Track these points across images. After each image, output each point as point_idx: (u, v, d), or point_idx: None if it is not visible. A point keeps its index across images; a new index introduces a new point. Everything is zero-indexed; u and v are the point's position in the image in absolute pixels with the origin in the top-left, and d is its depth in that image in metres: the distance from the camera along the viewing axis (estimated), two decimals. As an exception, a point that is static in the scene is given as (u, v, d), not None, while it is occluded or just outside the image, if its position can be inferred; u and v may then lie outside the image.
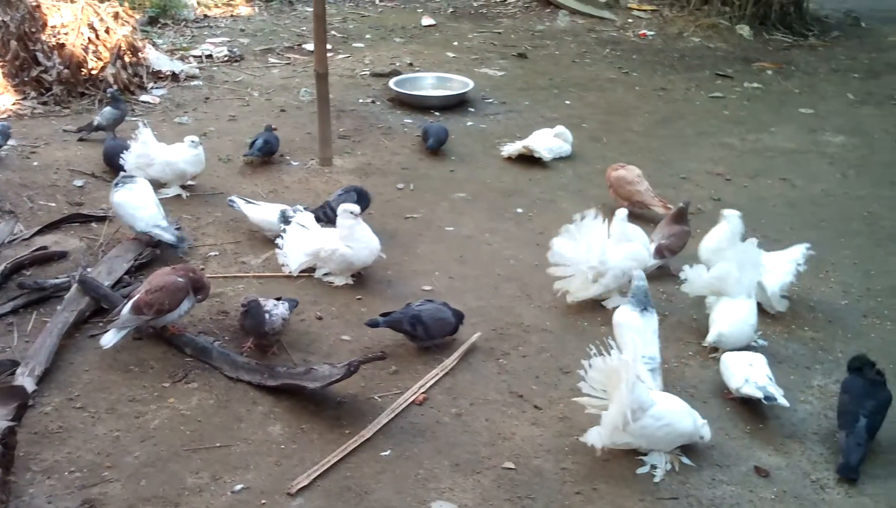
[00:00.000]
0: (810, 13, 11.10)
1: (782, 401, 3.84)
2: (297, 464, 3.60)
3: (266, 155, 6.28)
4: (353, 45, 9.62)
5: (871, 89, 8.71)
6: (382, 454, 3.68)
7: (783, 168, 6.71)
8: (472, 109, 7.76)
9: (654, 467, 3.63)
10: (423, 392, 4.05)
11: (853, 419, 3.70)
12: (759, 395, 3.83)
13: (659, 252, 5.07)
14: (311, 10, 9.59)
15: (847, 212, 6.02)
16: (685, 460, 3.68)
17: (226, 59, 8.78)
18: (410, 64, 8.92)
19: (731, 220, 4.86)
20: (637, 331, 3.99)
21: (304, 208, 5.22)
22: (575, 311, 4.74)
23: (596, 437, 3.62)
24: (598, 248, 4.65)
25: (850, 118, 7.87)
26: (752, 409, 4.02)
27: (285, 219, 5.02)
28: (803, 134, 7.44)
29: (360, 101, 7.83)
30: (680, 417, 3.62)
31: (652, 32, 10.41)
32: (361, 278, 4.94)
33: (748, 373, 3.93)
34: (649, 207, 5.64)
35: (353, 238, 4.77)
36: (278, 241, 4.92)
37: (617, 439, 3.59)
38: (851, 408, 3.74)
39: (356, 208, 4.79)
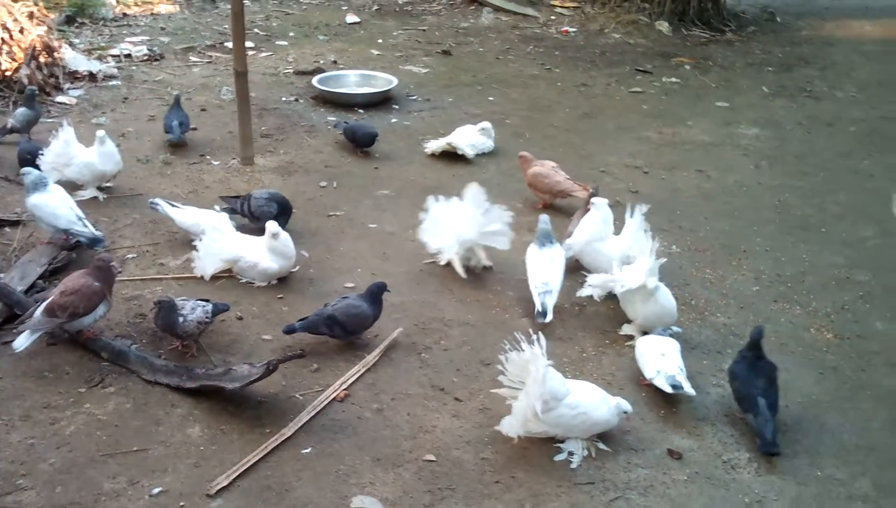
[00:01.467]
0: (727, 9, 11.40)
1: (689, 391, 3.95)
2: (216, 465, 3.58)
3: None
4: (277, 42, 9.55)
5: (785, 82, 8.98)
6: (303, 451, 3.69)
7: (699, 160, 6.89)
8: (397, 107, 7.78)
9: (571, 454, 3.71)
10: (344, 389, 4.06)
11: (753, 401, 3.85)
12: (668, 389, 3.95)
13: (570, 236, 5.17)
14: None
15: (759, 201, 6.22)
16: (602, 446, 3.77)
17: (145, 58, 8.63)
18: (335, 62, 8.89)
19: (600, 207, 4.93)
20: (536, 261, 4.71)
21: (222, 205, 5.19)
22: (496, 304, 4.80)
23: (508, 427, 3.69)
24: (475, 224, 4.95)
25: (764, 111, 8.11)
26: (665, 395, 4.12)
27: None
28: (719, 127, 7.64)
29: (284, 99, 7.79)
30: (595, 405, 3.71)
31: (574, 29, 10.56)
32: (283, 277, 4.92)
33: (660, 364, 4.03)
34: (572, 193, 5.76)
35: (276, 252, 4.78)
36: (195, 243, 4.87)
37: (533, 428, 3.67)
38: (746, 392, 3.90)
39: (280, 231, 4.79)
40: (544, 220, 4.85)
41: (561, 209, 5.87)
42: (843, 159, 7.02)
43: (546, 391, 3.58)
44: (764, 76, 9.21)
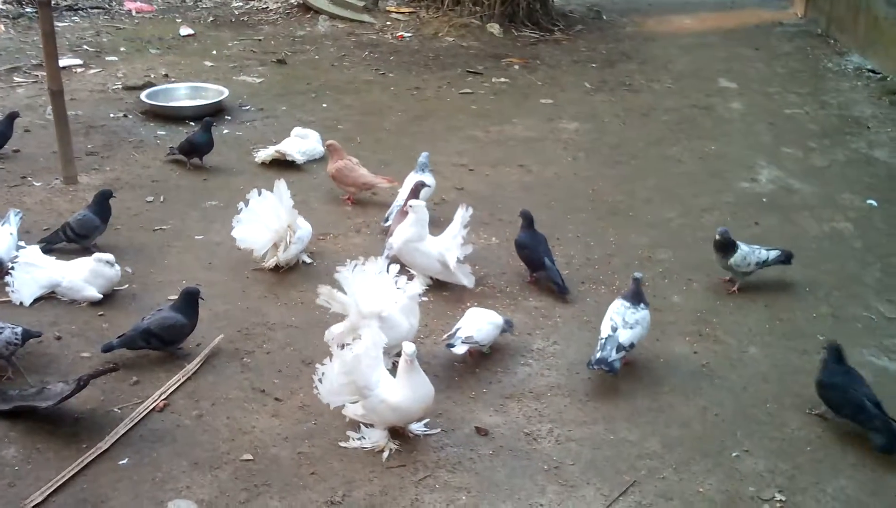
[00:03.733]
0: (556, 9, 11.92)
1: (459, 348, 4.31)
2: (31, 483, 3.59)
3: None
4: (107, 58, 9.38)
5: (606, 78, 9.49)
6: (120, 463, 3.74)
7: (521, 155, 7.23)
8: (229, 117, 7.81)
9: (362, 439, 3.88)
10: (163, 399, 4.13)
11: (541, 261, 4.97)
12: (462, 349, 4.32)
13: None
14: (63, 25, 9.33)
15: (575, 191, 6.60)
16: (416, 429, 3.97)
17: (-35, 80, 8.34)
18: (166, 75, 8.82)
19: (417, 210, 5.08)
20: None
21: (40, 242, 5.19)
22: (321, 305, 4.94)
23: (323, 395, 3.87)
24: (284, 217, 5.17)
25: (585, 106, 8.57)
26: (477, 376, 4.39)
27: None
28: (542, 123, 8.03)
29: (112, 115, 7.69)
30: (396, 394, 3.80)
31: (409, 34, 10.82)
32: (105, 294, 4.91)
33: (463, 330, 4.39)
34: (376, 186, 6.09)
35: (100, 277, 4.82)
36: (7, 278, 4.82)
37: (353, 410, 3.86)
38: (536, 255, 5.05)
39: (112, 260, 4.85)
40: (424, 155, 5.98)
41: (367, 202, 6.21)
42: (654, 147, 7.52)
43: (358, 376, 3.73)
44: (588, 73, 9.70)
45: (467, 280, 5.07)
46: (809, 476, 3.82)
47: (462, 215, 5.08)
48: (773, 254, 5.20)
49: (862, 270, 5.55)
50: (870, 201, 6.50)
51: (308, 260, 5.38)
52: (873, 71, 9.62)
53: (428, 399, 3.84)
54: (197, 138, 6.63)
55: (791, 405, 4.26)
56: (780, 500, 3.67)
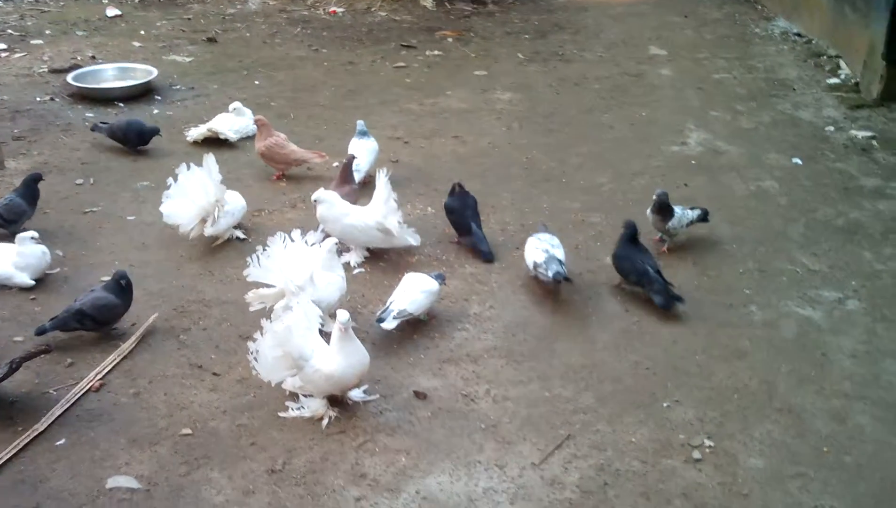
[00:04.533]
0: (489, -19, 11.89)
1: (389, 323, 4.37)
2: (-34, 470, 3.56)
3: None
4: (32, 42, 9.15)
5: (539, 48, 9.55)
6: (57, 443, 3.73)
7: (456, 127, 7.27)
8: (159, 98, 7.71)
9: (301, 409, 3.92)
10: (99, 379, 4.11)
11: (468, 227, 5.20)
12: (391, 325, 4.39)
13: None
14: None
15: (509, 160, 6.67)
16: (355, 395, 4.01)
17: None
18: (93, 57, 8.65)
19: (322, 201, 5.05)
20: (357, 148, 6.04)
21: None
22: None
23: (261, 372, 3.89)
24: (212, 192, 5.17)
25: (519, 76, 8.62)
26: (415, 342, 4.45)
27: None
28: (476, 94, 8.07)
29: (38, 99, 7.53)
30: (330, 362, 3.83)
31: (342, 9, 10.74)
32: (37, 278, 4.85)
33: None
34: (308, 161, 6.12)
35: (30, 258, 4.77)
36: None
37: (291, 383, 3.89)
38: (463, 221, 5.24)
39: (36, 236, 4.80)
40: (361, 122, 6.21)
41: (302, 177, 6.25)
42: (586, 115, 7.61)
43: (292, 348, 3.76)
44: (521, 44, 9.74)
45: (413, 239, 5.14)
46: (736, 423, 3.96)
47: (383, 180, 5.09)
48: (696, 213, 5.34)
49: (787, 225, 5.73)
50: (795, 160, 6.68)
51: (242, 236, 5.37)
52: (799, 35, 9.83)
53: (362, 366, 3.88)
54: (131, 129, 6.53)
55: (719, 356, 4.41)
56: (709, 446, 3.81)
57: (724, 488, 3.59)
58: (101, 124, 6.62)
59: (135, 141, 6.51)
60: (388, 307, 4.41)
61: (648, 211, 5.30)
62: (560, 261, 4.73)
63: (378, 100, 7.87)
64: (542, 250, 4.80)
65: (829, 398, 4.14)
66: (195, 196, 5.12)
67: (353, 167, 5.75)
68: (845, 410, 4.07)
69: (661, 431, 3.89)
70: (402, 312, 4.36)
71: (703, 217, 5.38)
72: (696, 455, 3.76)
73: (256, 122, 6.24)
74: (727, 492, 3.57)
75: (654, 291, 4.70)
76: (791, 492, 3.59)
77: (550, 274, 4.65)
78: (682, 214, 5.26)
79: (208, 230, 5.17)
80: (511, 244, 5.40)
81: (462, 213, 5.28)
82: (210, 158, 5.16)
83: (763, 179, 6.36)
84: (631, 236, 4.89)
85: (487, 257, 5.18)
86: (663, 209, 5.21)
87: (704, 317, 4.73)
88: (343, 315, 3.76)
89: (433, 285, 4.55)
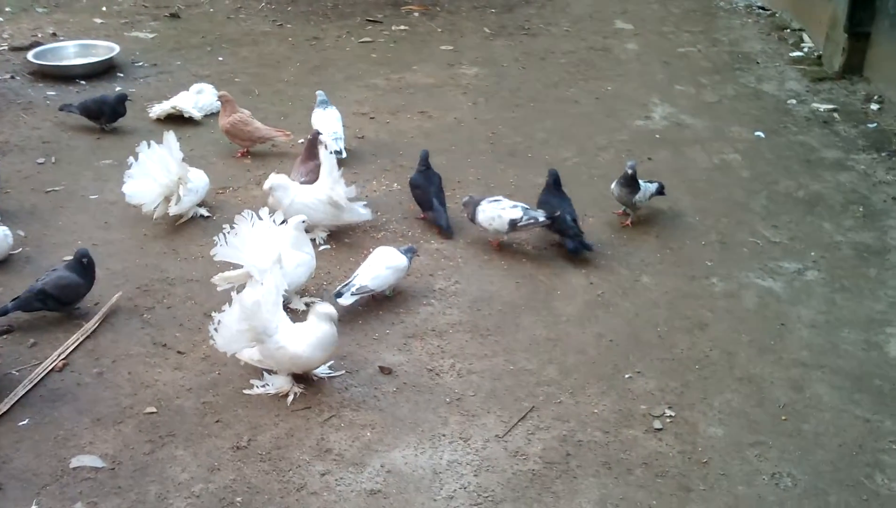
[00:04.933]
0: (455, -45, 11.82)
1: (345, 299, 4.40)
2: (-72, 450, 3.53)
3: None
4: (-9, 19, 8.99)
5: (505, 22, 9.53)
6: (20, 424, 3.72)
7: (422, 102, 7.26)
8: (121, 75, 7.61)
9: (266, 386, 3.93)
10: (62, 359, 4.09)
11: (429, 203, 5.24)
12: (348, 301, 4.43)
13: None
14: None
15: (475, 135, 6.67)
16: (321, 372, 4.02)
17: None
18: (54, 34, 8.51)
19: (276, 189, 4.99)
20: (322, 118, 6.11)
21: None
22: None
23: (219, 343, 3.88)
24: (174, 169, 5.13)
25: (485, 51, 8.61)
26: (381, 318, 4.47)
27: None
28: (442, 69, 8.04)
29: (-2, 77, 7.42)
30: (298, 343, 3.83)
31: (307, -17, 10.63)
32: None
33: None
34: (272, 138, 6.09)
35: None
36: None
37: (249, 355, 3.88)
38: (427, 197, 5.27)
39: None
40: (321, 92, 6.27)
41: (267, 154, 6.25)
42: (551, 89, 7.63)
43: (258, 322, 3.76)
44: (486, 18, 9.71)
45: (366, 212, 5.14)
46: (697, 392, 4.03)
47: (326, 156, 5.09)
48: (655, 186, 5.39)
49: (749, 198, 5.79)
50: (757, 133, 6.75)
51: (206, 214, 5.34)
52: (763, 8, 9.90)
53: (332, 348, 3.90)
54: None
55: (681, 327, 4.47)
56: (670, 415, 3.88)
57: (684, 456, 3.66)
58: (70, 105, 6.49)
59: (110, 114, 6.41)
60: (349, 282, 4.43)
61: (613, 185, 5.33)
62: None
63: (344, 75, 7.82)
64: (509, 206, 4.97)
65: (787, 368, 4.21)
66: (157, 175, 5.08)
67: (331, 136, 5.91)
68: (804, 379, 4.15)
69: (623, 402, 3.95)
70: (362, 288, 4.38)
71: (661, 190, 5.43)
72: (657, 424, 3.82)
73: (220, 98, 6.18)
74: (687, 460, 3.64)
75: (567, 236, 4.99)
76: (749, 460, 3.66)
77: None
78: (646, 187, 5.30)
79: (173, 209, 5.13)
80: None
81: (426, 189, 5.30)
82: (170, 136, 5.12)
83: (726, 153, 6.42)
84: (553, 183, 5.20)
85: (447, 232, 5.21)
86: (633, 181, 5.24)
87: (667, 289, 4.79)
88: (329, 309, 3.77)
89: (401, 260, 4.55)
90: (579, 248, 4.96)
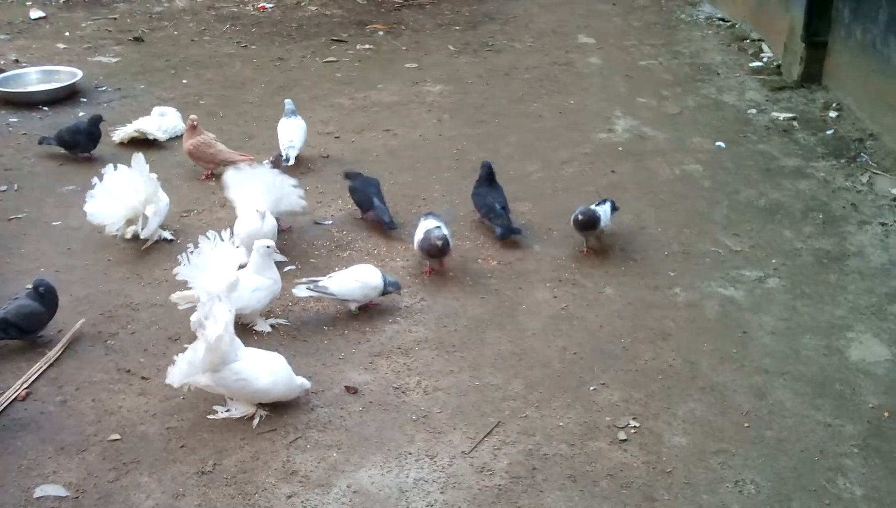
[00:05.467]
0: (419, -27, 11.90)
1: (298, 289, 4.56)
2: None
3: None
4: (-49, 47, 8.93)
5: (469, 40, 9.60)
6: (-18, 455, 3.68)
7: (386, 120, 7.29)
8: (85, 100, 7.59)
9: (228, 411, 3.91)
10: (26, 388, 4.06)
11: (370, 202, 5.40)
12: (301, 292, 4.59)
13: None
14: None
15: (440, 152, 6.70)
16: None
17: None
18: (16, 60, 8.48)
19: (135, 160, 5.21)
20: (285, 127, 6.33)
21: None
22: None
23: (172, 376, 3.85)
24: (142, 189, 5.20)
25: (449, 68, 8.66)
26: (346, 337, 4.48)
27: None
28: (407, 87, 8.09)
29: (-41, 105, 7.37)
30: (258, 376, 3.83)
31: (271, 5, 10.66)
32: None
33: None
34: (235, 162, 6.02)
35: None
36: None
37: (197, 380, 3.85)
38: (366, 197, 5.45)
39: None
40: (289, 101, 6.47)
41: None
42: (516, 105, 7.69)
43: (217, 355, 3.75)
44: (451, 35, 9.78)
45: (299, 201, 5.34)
46: (661, 402, 4.07)
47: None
48: (608, 206, 5.30)
49: (710, 207, 5.87)
50: (718, 143, 6.84)
51: (169, 236, 5.33)
52: (723, 19, 10.04)
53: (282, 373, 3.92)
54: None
55: (644, 338, 4.51)
56: (635, 426, 3.91)
57: (649, 466, 3.69)
58: (48, 138, 6.45)
59: (84, 143, 6.36)
60: (315, 279, 4.55)
61: (576, 232, 5.21)
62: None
63: (308, 95, 7.84)
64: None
65: (750, 375, 4.27)
66: (122, 196, 5.10)
67: (287, 146, 6.16)
68: (766, 386, 4.20)
69: (588, 414, 3.98)
70: (321, 287, 4.48)
71: (614, 206, 5.38)
72: (622, 435, 3.85)
73: (190, 121, 6.15)
74: (651, 471, 3.67)
75: (496, 223, 5.28)
76: (713, 468, 3.70)
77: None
78: (605, 213, 5.20)
79: (144, 233, 5.15)
80: (441, 236, 5.43)
81: (364, 190, 5.50)
82: (139, 157, 5.18)
83: (687, 163, 6.50)
84: (486, 176, 5.50)
85: (390, 226, 5.38)
86: (593, 222, 5.10)
87: (630, 300, 4.83)
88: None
89: (373, 279, 4.55)
90: (507, 233, 5.26)
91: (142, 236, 5.16)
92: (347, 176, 5.70)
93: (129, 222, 5.16)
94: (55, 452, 3.71)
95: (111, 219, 5.12)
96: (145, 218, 5.14)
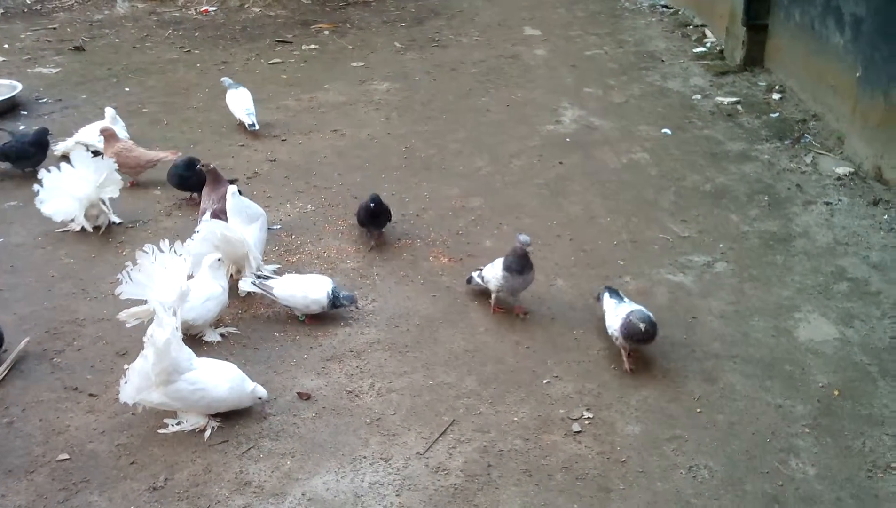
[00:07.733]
0: (363, -29, 11.83)
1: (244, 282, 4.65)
2: None
3: None
4: None
5: (415, 36, 9.58)
6: (-75, 483, 3.58)
7: (334, 121, 7.24)
8: (25, 112, 7.44)
9: (179, 423, 3.85)
10: (-31, 412, 3.96)
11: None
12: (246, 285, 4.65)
13: (215, 215, 5.28)
14: None
15: (388, 150, 6.68)
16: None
17: None
18: (-48, 75, 8.28)
19: (75, 157, 5.37)
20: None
21: None
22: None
23: (125, 394, 3.78)
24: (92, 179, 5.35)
25: (396, 65, 8.64)
26: (297, 343, 4.44)
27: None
28: (354, 86, 8.04)
29: None
30: (216, 384, 3.81)
31: (214, 8, 10.55)
32: None
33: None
34: (161, 160, 6.03)
35: None
36: None
37: (149, 397, 3.77)
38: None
39: None
40: (226, 78, 7.05)
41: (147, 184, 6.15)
42: (463, 100, 7.69)
43: (168, 361, 3.69)
44: (397, 32, 9.75)
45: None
46: (614, 392, 4.09)
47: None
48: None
49: (658, 195, 5.91)
50: (664, 130, 6.90)
51: (118, 220, 5.56)
52: (666, 6, 10.14)
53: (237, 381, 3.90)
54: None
55: (595, 329, 4.53)
56: (588, 417, 3.93)
57: (603, 457, 3.71)
58: None
59: (33, 156, 6.23)
60: (265, 275, 4.65)
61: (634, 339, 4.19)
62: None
63: (254, 98, 7.73)
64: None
65: (700, 360, 4.31)
66: (71, 189, 5.29)
67: (245, 112, 6.81)
68: (716, 370, 4.24)
69: (542, 407, 3.99)
70: (266, 285, 4.54)
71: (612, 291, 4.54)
72: (576, 427, 3.87)
73: (102, 132, 6.07)
74: (606, 461, 3.69)
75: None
76: (667, 455, 3.73)
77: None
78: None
79: (112, 216, 5.47)
80: (393, 236, 5.42)
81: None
82: (80, 152, 5.40)
83: (634, 152, 6.55)
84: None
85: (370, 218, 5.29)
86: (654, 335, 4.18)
87: (581, 291, 4.85)
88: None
89: (318, 295, 4.49)
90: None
91: (115, 222, 5.50)
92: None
93: (93, 208, 5.39)
94: (3, 475, 3.62)
95: (70, 211, 5.34)
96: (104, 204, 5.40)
